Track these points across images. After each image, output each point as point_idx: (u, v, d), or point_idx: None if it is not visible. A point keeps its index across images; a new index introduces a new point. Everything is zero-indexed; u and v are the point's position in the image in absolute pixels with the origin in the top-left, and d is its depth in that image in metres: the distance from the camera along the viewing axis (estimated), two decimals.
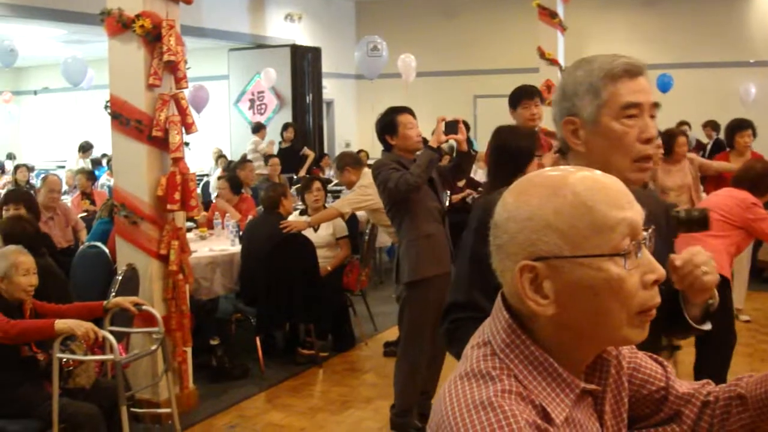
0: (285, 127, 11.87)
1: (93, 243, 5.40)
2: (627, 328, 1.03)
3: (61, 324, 3.48)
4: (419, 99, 11.75)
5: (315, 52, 13.64)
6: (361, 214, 6.62)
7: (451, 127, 4.19)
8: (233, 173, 7.94)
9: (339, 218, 6.01)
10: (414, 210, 4.13)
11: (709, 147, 10.71)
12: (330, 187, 8.48)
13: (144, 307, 4.02)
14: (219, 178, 8.22)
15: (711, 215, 2.30)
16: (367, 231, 6.39)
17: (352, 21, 15.72)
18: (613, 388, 1.15)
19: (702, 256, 1.43)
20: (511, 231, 1.04)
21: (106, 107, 4.67)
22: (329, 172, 11.26)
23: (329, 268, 5.97)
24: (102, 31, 4.63)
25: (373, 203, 5.36)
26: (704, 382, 1.30)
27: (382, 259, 8.94)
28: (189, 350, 4.81)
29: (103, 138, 7.71)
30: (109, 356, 3.78)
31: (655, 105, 1.60)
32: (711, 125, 11.26)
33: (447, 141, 4.22)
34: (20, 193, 6.06)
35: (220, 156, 11.82)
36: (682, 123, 10.58)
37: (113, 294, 4.13)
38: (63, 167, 12.81)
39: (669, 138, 5.90)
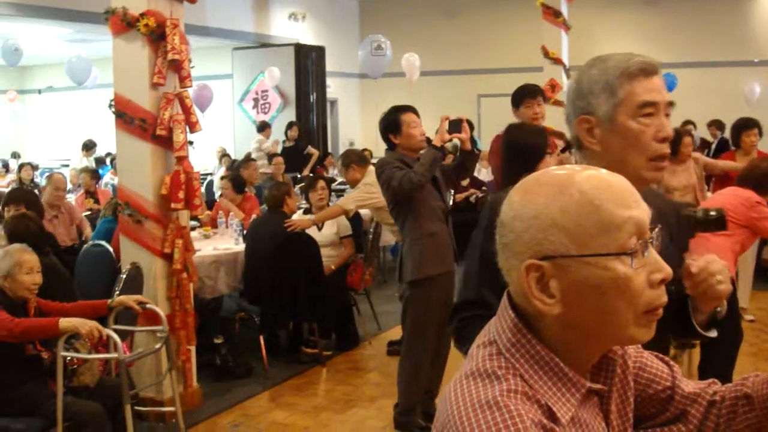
0: (289, 125, 11.88)
1: (97, 242, 5.40)
2: (633, 328, 1.03)
3: (65, 322, 3.49)
4: (423, 98, 11.71)
5: (319, 51, 13.65)
6: (365, 212, 6.62)
7: (455, 125, 4.19)
8: (237, 172, 7.93)
9: (343, 217, 6.00)
10: (417, 209, 4.12)
11: (713, 146, 10.69)
12: (334, 185, 8.48)
13: (148, 306, 4.02)
14: (223, 177, 8.22)
15: None
16: (371, 230, 6.38)
17: (355, 20, 15.73)
18: (619, 388, 1.15)
19: (717, 264, 1.43)
20: (518, 230, 1.03)
21: (110, 106, 4.67)
22: (333, 171, 11.25)
23: (333, 267, 5.97)
24: (106, 30, 4.64)
25: (377, 201, 5.35)
26: (710, 381, 1.30)
27: (386, 258, 8.92)
28: (193, 349, 4.82)
29: (108, 137, 7.70)
30: (113, 355, 3.79)
31: (670, 104, 1.60)
32: (716, 124, 11.23)
33: (451, 140, 4.20)
34: (21, 193, 6.05)
35: (224, 155, 11.82)
36: (687, 122, 10.56)
37: (117, 292, 4.13)
38: (67, 166, 12.82)
39: (674, 138, 5.87)
